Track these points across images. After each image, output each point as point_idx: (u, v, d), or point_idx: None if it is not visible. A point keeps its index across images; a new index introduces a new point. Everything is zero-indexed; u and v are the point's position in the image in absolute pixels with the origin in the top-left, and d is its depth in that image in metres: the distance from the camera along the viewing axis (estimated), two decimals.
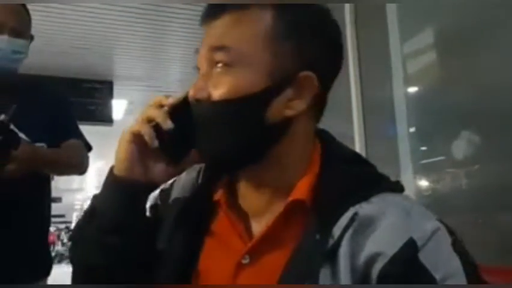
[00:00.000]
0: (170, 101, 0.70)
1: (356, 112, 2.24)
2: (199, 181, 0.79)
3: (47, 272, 1.68)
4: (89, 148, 1.79)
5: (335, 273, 0.58)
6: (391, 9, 2.10)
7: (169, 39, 3.80)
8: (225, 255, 0.69)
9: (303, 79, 0.66)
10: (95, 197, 0.73)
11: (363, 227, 0.60)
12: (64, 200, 15.78)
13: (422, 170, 1.95)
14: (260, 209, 0.70)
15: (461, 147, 1.70)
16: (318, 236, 0.61)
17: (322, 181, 0.67)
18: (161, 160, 0.72)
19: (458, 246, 0.59)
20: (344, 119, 2.26)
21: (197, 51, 0.70)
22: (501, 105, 1.55)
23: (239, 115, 0.64)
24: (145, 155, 0.70)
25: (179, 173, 0.77)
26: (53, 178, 1.78)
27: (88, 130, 3.01)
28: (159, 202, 0.83)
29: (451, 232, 0.61)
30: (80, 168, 1.73)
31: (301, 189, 0.66)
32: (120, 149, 0.70)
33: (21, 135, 1.47)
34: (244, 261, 0.67)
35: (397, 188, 0.67)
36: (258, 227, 0.69)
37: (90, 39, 3.76)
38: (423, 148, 2.00)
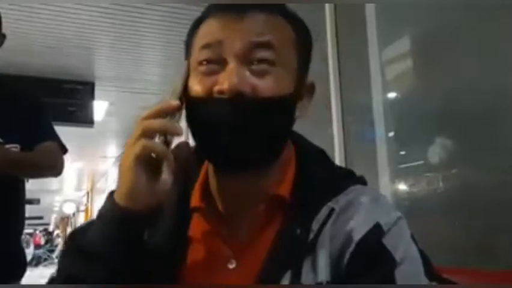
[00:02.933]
0: (173, 104, 0.63)
1: (335, 116, 2.26)
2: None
3: (20, 275, 1.66)
4: (64, 150, 1.76)
5: (315, 263, 0.62)
6: (370, 16, 2.13)
7: (150, 41, 3.78)
8: (209, 261, 0.69)
9: (310, 86, 0.73)
10: (92, 233, 0.63)
11: (339, 218, 0.64)
12: (42, 201, 15.53)
13: (399, 174, 1.97)
14: (240, 210, 0.70)
15: (438, 151, 1.72)
16: (298, 231, 0.64)
17: (299, 179, 0.70)
18: (161, 173, 0.62)
19: (415, 239, 0.65)
20: (324, 123, 2.29)
21: (207, 45, 0.66)
22: (477, 109, 1.57)
23: (279, 113, 0.66)
24: (150, 173, 0.61)
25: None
26: (27, 180, 1.75)
27: (68, 131, 2.99)
28: None
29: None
30: (54, 170, 1.69)
31: (282, 187, 0.69)
32: (126, 176, 0.60)
33: None
34: (231, 266, 0.67)
35: (364, 181, 0.73)
36: (239, 229, 0.69)
37: (71, 39, 3.72)
38: (402, 152, 2.02)
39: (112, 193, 0.63)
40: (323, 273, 0.61)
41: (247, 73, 0.63)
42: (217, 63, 0.65)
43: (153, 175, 0.61)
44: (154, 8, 3.21)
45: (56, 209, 21.02)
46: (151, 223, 0.66)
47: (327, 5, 2.38)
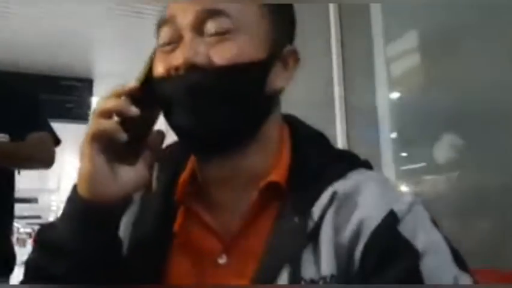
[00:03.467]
0: (130, 86, 0.62)
1: (338, 116, 2.23)
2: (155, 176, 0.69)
3: (8, 272, 1.63)
4: (57, 141, 1.73)
5: (317, 254, 0.56)
6: (375, 12, 2.10)
7: (150, 37, 3.77)
8: (197, 257, 0.64)
9: (290, 53, 0.67)
10: (57, 228, 0.60)
11: (343, 204, 0.59)
12: (40, 200, 15.51)
13: (403, 176, 1.94)
14: (229, 200, 0.65)
15: (443, 153, 1.70)
16: (296, 219, 0.59)
17: (296, 163, 0.65)
18: (131, 162, 0.60)
19: (435, 222, 0.59)
20: (327, 122, 2.25)
21: (164, 22, 0.64)
22: (484, 110, 1.55)
23: (243, 83, 0.60)
24: (113, 160, 0.58)
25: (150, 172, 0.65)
26: (19, 172, 1.72)
27: (65, 128, 2.96)
28: None
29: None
30: (44, 161, 1.67)
31: (276, 172, 0.64)
32: (84, 162, 0.57)
33: None
34: (221, 261, 0.63)
35: (369, 165, 0.68)
36: (230, 221, 0.64)
37: (70, 36, 3.72)
38: (406, 154, 1.99)
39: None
40: (327, 266, 0.56)
41: (203, 44, 0.60)
42: (175, 40, 0.62)
43: (117, 162, 0.58)
44: (154, 4, 3.19)
45: (54, 208, 21.01)
46: (121, 216, 0.63)
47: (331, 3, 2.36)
